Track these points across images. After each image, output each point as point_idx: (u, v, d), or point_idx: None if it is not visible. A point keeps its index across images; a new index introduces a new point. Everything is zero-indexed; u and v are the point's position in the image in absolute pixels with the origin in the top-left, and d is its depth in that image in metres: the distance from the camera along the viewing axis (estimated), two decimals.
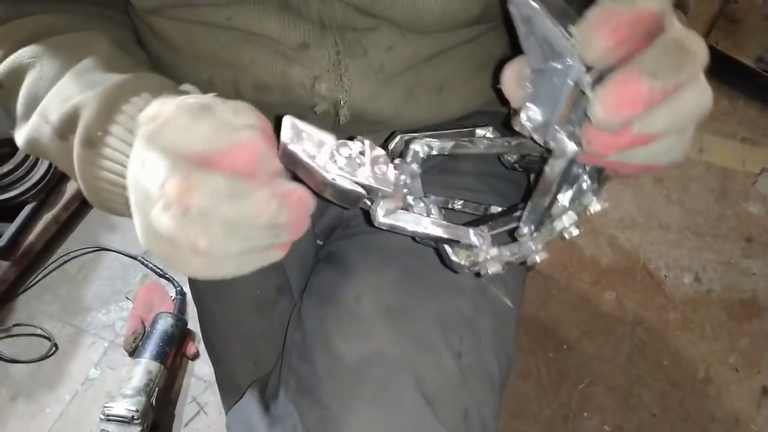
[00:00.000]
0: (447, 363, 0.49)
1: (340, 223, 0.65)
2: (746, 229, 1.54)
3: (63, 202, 1.42)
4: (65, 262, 1.45)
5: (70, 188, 1.43)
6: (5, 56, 0.48)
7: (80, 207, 1.48)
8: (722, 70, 1.79)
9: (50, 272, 1.44)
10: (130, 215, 0.44)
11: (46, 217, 1.39)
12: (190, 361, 1.31)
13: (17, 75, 0.47)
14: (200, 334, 0.95)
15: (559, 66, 0.35)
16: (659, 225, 1.54)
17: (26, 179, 1.34)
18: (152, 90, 0.41)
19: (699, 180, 1.65)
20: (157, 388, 1.18)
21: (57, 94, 0.44)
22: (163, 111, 0.33)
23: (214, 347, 0.66)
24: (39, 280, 1.42)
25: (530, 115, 0.39)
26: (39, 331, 1.32)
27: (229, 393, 0.64)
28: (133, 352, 1.26)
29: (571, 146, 0.37)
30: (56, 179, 1.39)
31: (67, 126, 0.42)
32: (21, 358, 1.29)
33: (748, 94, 1.82)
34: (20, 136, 0.47)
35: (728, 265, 1.48)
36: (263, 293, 0.64)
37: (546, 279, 1.44)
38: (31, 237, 1.36)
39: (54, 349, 1.31)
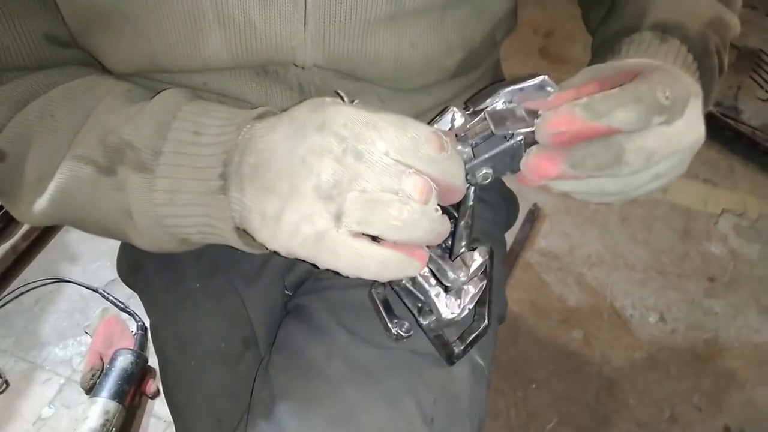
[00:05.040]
0: (419, 429, 0.48)
1: (311, 276, 0.64)
2: (708, 269, 1.58)
3: (22, 232, 1.38)
4: (22, 293, 1.39)
5: None
6: (1, 125, 0.45)
7: (40, 236, 1.43)
8: None
9: (5, 304, 1.38)
10: (197, 243, 0.43)
11: (4, 247, 1.35)
12: (149, 400, 1.27)
13: (24, 139, 0.44)
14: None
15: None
16: (625, 264, 1.57)
17: None
18: (189, 105, 0.42)
19: (663, 219, 1.69)
20: (114, 429, 1.14)
21: (91, 133, 0.42)
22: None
23: (175, 402, 0.63)
24: None
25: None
26: None
27: None
28: (91, 389, 1.20)
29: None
30: None
31: (115, 159, 0.41)
32: None
33: (708, 137, 1.87)
34: (38, 200, 0.44)
35: (692, 304, 1.51)
36: (228, 346, 0.61)
37: (515, 317, 1.45)
38: None
39: (5, 386, 1.25)
